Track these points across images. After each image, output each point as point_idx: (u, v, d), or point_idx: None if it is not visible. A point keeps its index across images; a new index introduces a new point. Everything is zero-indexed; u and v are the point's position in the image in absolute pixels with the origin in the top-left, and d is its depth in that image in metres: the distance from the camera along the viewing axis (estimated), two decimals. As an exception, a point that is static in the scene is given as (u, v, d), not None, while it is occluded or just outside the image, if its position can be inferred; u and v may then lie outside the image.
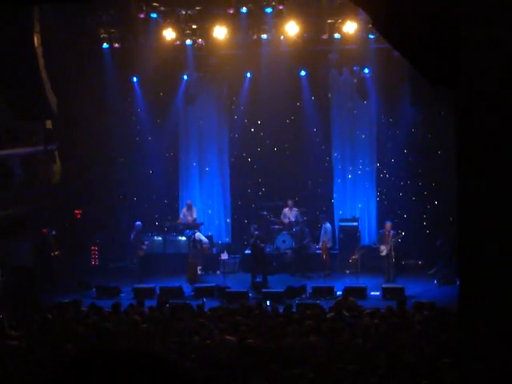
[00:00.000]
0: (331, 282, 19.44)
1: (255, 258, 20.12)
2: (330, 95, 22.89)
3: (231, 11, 20.55)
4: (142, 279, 20.37)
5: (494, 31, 3.99)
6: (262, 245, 20.36)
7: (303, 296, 18.18)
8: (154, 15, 20.80)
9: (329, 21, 20.54)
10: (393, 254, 19.63)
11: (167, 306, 15.24)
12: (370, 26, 18.29)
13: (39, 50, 17.84)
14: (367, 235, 22.52)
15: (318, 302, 16.81)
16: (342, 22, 20.36)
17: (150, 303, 15.40)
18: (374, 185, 22.67)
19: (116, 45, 21.50)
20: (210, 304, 16.45)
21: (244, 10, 20.47)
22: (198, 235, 21.29)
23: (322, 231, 21.26)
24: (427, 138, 22.03)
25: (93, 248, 21.76)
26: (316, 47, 21.29)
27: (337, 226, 22.07)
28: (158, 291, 18.53)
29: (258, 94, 22.50)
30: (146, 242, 21.33)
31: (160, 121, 23.40)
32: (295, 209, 21.92)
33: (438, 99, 18.45)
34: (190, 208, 22.23)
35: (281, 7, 20.30)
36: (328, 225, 21.38)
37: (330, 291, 18.17)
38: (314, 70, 22.42)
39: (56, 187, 21.20)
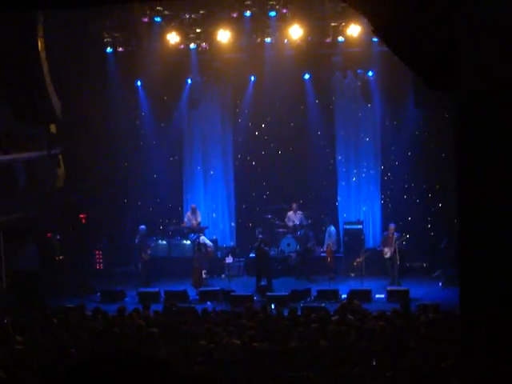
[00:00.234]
0: (336, 285, 19.42)
1: (260, 262, 20.09)
2: (333, 98, 22.88)
3: (235, 15, 20.56)
4: (146, 283, 20.37)
5: (493, 35, 3.99)
6: (267, 248, 20.34)
7: (308, 299, 18.16)
8: (157, 19, 20.79)
9: (332, 24, 20.53)
10: (397, 256, 19.60)
11: (173, 309, 15.21)
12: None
13: (43, 55, 17.83)
14: (372, 238, 22.50)
15: (323, 305, 16.79)
16: (346, 25, 20.37)
17: (156, 307, 15.38)
18: (378, 188, 22.65)
19: (120, 49, 21.56)
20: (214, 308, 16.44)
21: (248, 13, 20.45)
22: (203, 239, 21.26)
23: (327, 234, 21.25)
24: (431, 140, 22.02)
25: (97, 252, 21.73)
26: (320, 50, 21.30)
27: (341, 229, 22.06)
28: (162, 295, 18.53)
29: (262, 97, 22.49)
30: (152, 246, 21.34)
31: (164, 124, 23.41)
32: (300, 212, 21.90)
33: (441, 102, 18.42)
34: (194, 212, 22.22)
35: (284, 11, 20.29)
36: (332, 228, 21.37)
37: (334, 294, 18.15)
38: (318, 73, 22.41)
39: (60, 191, 21.17)
